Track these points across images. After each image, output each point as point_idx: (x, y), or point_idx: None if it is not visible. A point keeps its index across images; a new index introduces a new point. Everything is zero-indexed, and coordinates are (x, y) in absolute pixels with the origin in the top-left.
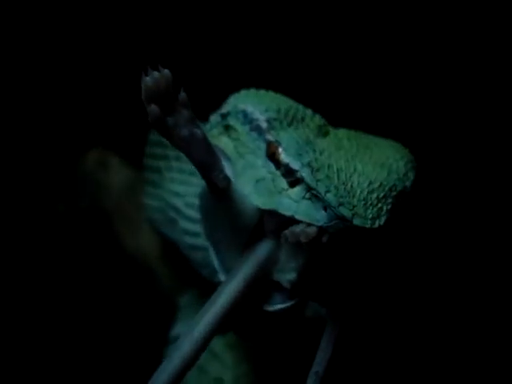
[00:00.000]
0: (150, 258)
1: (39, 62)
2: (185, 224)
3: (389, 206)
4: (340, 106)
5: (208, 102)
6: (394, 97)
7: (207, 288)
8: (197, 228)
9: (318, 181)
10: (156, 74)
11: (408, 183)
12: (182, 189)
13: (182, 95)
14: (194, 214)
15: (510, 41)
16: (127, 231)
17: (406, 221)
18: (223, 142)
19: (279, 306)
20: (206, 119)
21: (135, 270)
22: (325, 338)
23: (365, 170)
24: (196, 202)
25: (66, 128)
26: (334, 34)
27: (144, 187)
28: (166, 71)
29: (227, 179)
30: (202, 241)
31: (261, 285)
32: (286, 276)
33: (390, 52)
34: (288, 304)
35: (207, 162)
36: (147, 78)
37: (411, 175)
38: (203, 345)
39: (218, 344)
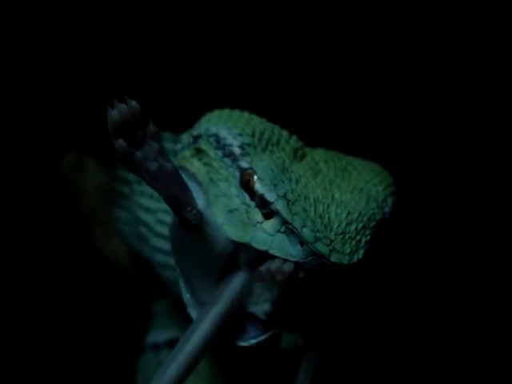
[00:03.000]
0: (124, 264)
1: (16, 63)
2: (156, 241)
3: (367, 238)
4: (321, 119)
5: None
6: (375, 115)
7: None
8: (169, 246)
9: (293, 215)
10: (123, 106)
11: (387, 209)
12: (153, 204)
13: (152, 127)
14: (166, 231)
15: (505, 42)
16: (102, 234)
17: (387, 246)
18: (195, 166)
19: (253, 341)
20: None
21: (110, 274)
22: (302, 369)
23: (343, 198)
24: (168, 219)
25: (44, 130)
26: (314, 43)
27: (115, 198)
28: (134, 103)
29: (199, 215)
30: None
31: (234, 318)
32: (261, 308)
33: (373, 63)
34: (262, 338)
35: (177, 198)
36: (113, 112)
37: (390, 201)
38: None
39: None
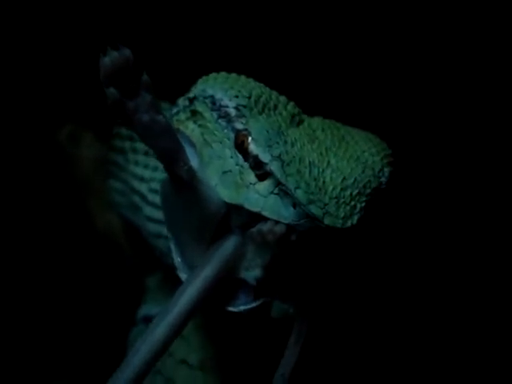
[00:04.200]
0: (117, 235)
1: (14, 41)
2: (149, 211)
3: (362, 204)
4: (319, 93)
5: (177, 83)
6: (375, 87)
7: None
8: (162, 215)
9: (287, 176)
10: (115, 53)
11: (383, 179)
12: (147, 173)
13: (144, 78)
14: (159, 200)
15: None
16: (97, 207)
17: (382, 218)
18: (190, 128)
19: (243, 307)
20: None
21: (104, 247)
22: (292, 338)
23: (338, 164)
24: None
25: (41, 102)
26: (313, 26)
27: (109, 167)
28: (127, 51)
29: (191, 171)
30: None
31: (225, 283)
32: (252, 273)
33: (372, 44)
34: (253, 305)
35: (170, 152)
36: (105, 58)
37: (387, 171)
38: (163, 349)
39: None
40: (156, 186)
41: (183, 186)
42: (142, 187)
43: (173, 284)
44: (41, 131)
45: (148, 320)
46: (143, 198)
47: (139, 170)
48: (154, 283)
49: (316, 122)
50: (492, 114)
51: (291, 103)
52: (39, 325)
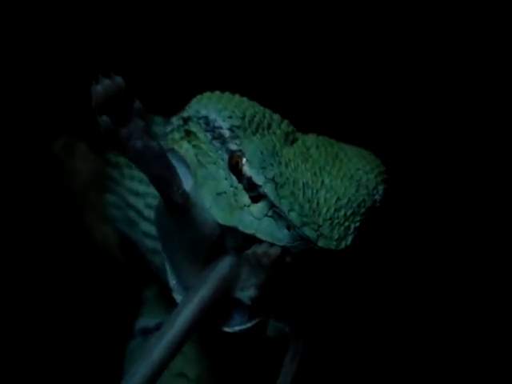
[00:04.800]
0: (114, 249)
1: (9, 53)
2: (145, 226)
3: (357, 224)
4: (313, 108)
5: (171, 95)
6: (369, 102)
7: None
8: None
9: (281, 198)
10: (107, 81)
11: (378, 197)
12: (142, 188)
13: (137, 104)
14: (154, 222)
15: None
16: (92, 219)
17: (376, 236)
18: (184, 148)
19: (238, 328)
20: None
21: (100, 260)
22: (289, 355)
23: (332, 184)
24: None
25: (36, 114)
26: (305, 40)
27: (104, 181)
28: (118, 78)
29: (185, 195)
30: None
31: (220, 304)
32: (247, 293)
33: (365, 56)
34: (248, 325)
35: (163, 177)
36: (98, 87)
37: (381, 189)
38: (160, 370)
39: None
40: (151, 200)
41: (177, 209)
42: (138, 202)
43: (170, 296)
44: (36, 143)
45: (146, 332)
46: (139, 213)
47: (134, 185)
48: (152, 296)
49: (310, 139)
50: (488, 126)
51: (285, 121)
52: (36, 336)
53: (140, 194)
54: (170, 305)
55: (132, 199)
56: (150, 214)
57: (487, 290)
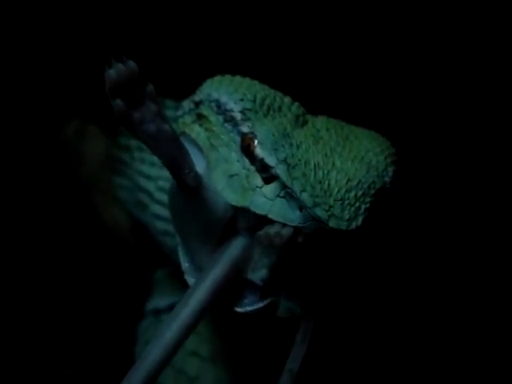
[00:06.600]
0: (124, 231)
1: (20, 39)
2: (156, 208)
3: (367, 205)
4: (323, 92)
5: (182, 79)
6: (378, 85)
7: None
8: (169, 213)
9: (293, 179)
10: (120, 66)
11: (387, 179)
12: (153, 171)
13: (149, 88)
14: (166, 198)
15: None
16: (103, 202)
17: (386, 217)
18: (195, 132)
19: (250, 308)
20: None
21: (111, 242)
22: (299, 335)
23: (343, 165)
24: (168, 186)
25: (48, 98)
26: (315, 25)
27: (116, 165)
28: (131, 63)
29: (198, 177)
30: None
31: (232, 284)
32: (259, 274)
33: (375, 42)
34: (260, 305)
35: (176, 160)
36: (111, 71)
37: (391, 170)
38: (173, 350)
39: None
40: (163, 183)
41: (190, 191)
42: (149, 185)
43: (181, 277)
44: (47, 127)
45: (157, 312)
46: (150, 196)
47: (146, 168)
48: (163, 276)
49: (320, 121)
50: (493, 109)
51: (296, 104)
52: (48, 318)
53: (151, 177)
54: (181, 285)
55: (143, 182)
56: (161, 196)
57: (490, 273)
